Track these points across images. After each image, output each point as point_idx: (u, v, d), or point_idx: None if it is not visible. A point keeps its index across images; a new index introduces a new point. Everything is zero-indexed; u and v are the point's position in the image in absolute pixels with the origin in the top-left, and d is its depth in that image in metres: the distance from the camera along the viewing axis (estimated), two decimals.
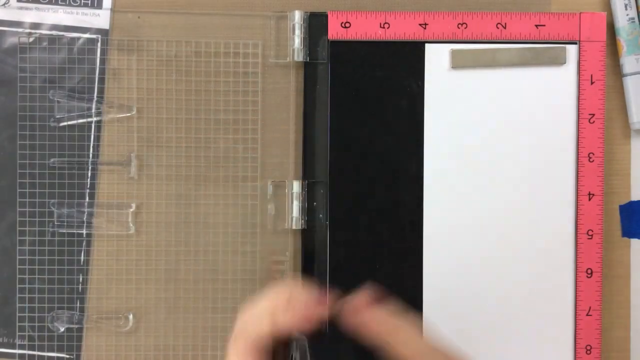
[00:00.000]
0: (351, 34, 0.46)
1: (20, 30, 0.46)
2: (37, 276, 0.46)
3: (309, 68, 0.47)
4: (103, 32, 0.46)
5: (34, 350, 0.46)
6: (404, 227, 0.46)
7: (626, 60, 0.48)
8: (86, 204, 0.46)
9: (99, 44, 0.46)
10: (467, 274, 0.46)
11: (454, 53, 0.46)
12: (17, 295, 0.46)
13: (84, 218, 0.46)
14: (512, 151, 0.47)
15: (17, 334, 0.46)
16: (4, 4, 0.46)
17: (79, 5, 0.46)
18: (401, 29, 0.46)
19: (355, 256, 0.46)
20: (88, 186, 0.46)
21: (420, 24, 0.46)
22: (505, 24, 0.46)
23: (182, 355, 0.47)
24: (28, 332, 0.46)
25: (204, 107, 0.47)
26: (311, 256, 0.46)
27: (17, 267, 0.46)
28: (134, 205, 0.46)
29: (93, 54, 0.46)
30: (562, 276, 0.47)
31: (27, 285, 0.46)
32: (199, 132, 0.47)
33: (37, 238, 0.46)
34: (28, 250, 0.46)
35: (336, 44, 0.46)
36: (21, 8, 0.46)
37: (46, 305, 0.46)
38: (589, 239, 0.46)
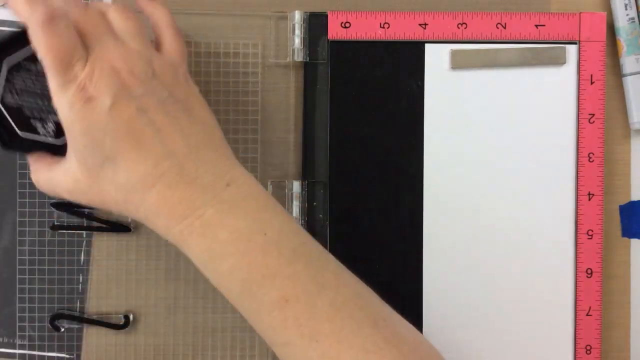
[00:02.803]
0: (351, 34, 0.46)
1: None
2: (37, 276, 0.46)
3: (309, 68, 0.47)
4: None
5: (34, 350, 0.46)
6: (404, 227, 0.46)
7: (626, 60, 0.48)
8: None
9: None
10: (467, 274, 0.46)
11: (454, 53, 0.46)
12: (17, 295, 0.46)
13: (84, 218, 0.46)
14: (511, 151, 0.47)
15: (17, 334, 0.46)
16: (3, 5, 0.46)
17: None
18: (401, 29, 0.46)
19: (355, 256, 0.46)
20: None
21: (420, 24, 0.46)
22: (505, 24, 0.46)
23: (182, 355, 0.47)
24: (28, 332, 0.46)
25: None
26: None
27: (17, 267, 0.46)
28: None
29: None
30: (562, 276, 0.47)
31: (27, 286, 0.46)
32: None
33: (37, 238, 0.46)
34: (28, 250, 0.46)
35: (336, 44, 0.46)
36: None
37: (46, 305, 0.46)
38: (589, 239, 0.46)
